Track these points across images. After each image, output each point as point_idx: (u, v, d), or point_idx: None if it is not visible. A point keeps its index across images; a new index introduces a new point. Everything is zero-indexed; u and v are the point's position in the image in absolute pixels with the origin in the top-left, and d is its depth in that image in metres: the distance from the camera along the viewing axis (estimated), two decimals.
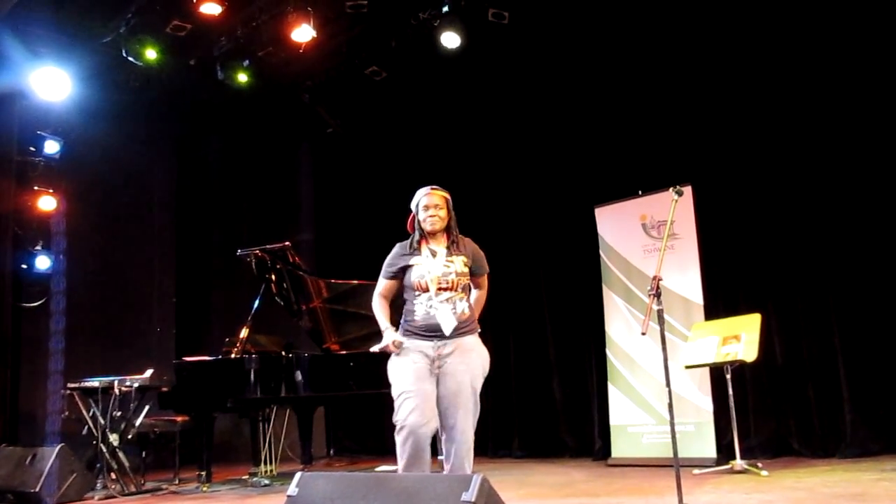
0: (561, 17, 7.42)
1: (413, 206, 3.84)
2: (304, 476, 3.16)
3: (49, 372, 7.54)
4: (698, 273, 6.53)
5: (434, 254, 3.75)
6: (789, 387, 6.30)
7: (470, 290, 3.85)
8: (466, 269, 3.74)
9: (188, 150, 10.32)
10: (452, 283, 3.68)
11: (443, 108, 8.72)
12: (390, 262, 3.85)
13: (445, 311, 3.66)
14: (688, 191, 6.39)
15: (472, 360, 3.69)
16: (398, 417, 3.57)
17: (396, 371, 3.69)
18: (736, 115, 6.71)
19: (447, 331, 3.65)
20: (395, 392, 3.64)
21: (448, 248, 3.78)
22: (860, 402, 5.92)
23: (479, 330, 3.82)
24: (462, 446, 3.64)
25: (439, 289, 3.67)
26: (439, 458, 6.35)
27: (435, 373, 3.65)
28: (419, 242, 3.81)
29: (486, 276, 3.93)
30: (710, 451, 6.17)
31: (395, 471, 3.88)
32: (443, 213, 3.76)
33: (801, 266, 6.33)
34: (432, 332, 3.67)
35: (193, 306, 10.08)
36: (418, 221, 3.79)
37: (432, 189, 3.83)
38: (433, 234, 3.77)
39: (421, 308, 3.70)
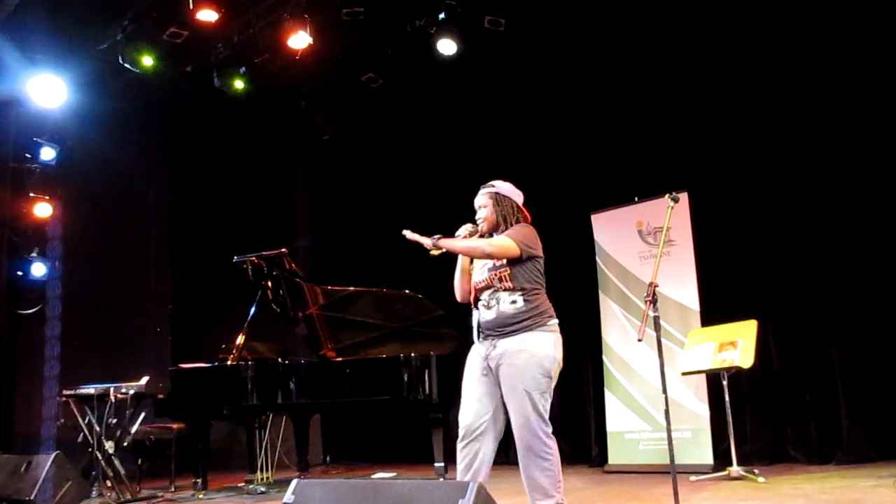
0: (557, 24, 7.44)
1: None
2: (300, 483, 3.15)
3: (45, 379, 7.52)
4: (695, 279, 6.54)
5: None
6: (786, 393, 6.30)
7: (520, 283, 3.59)
8: (504, 261, 3.56)
9: (185, 156, 10.33)
10: (488, 280, 3.61)
11: (439, 115, 8.72)
12: None
13: (487, 311, 3.60)
14: (684, 197, 6.43)
15: (520, 362, 3.49)
16: None
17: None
18: (732, 122, 6.74)
19: (492, 329, 3.56)
20: None
21: None
22: (857, 409, 5.93)
23: (543, 322, 3.59)
24: (520, 451, 3.56)
25: (479, 290, 3.64)
26: (436, 465, 6.37)
27: (491, 374, 3.56)
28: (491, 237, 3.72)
29: (506, 239, 3.58)
30: (707, 457, 6.17)
31: (392, 478, 3.90)
32: (485, 212, 3.73)
33: (797, 272, 6.35)
34: (484, 332, 3.61)
35: (190, 313, 10.06)
36: None
37: (480, 190, 3.82)
38: (488, 233, 3.72)
39: (474, 311, 3.70)
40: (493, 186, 3.79)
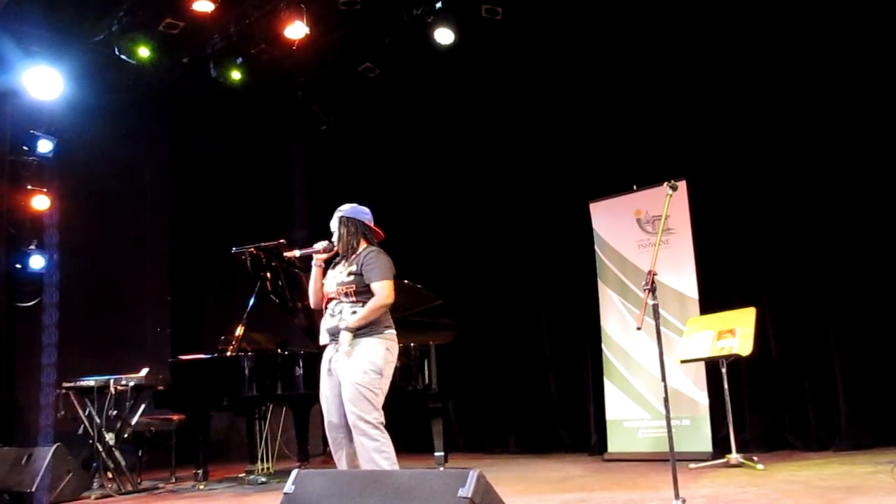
0: (554, 13, 7.41)
1: None
2: (300, 473, 3.16)
3: (44, 371, 7.52)
4: (693, 268, 6.54)
5: (340, 266, 4.15)
6: (784, 381, 6.32)
7: (363, 298, 4.02)
8: (350, 278, 4.02)
9: (181, 147, 10.29)
10: (336, 292, 4.07)
11: (437, 105, 8.70)
12: None
13: (332, 318, 4.05)
14: (682, 185, 6.42)
15: (353, 361, 3.91)
16: None
17: None
18: (730, 110, 6.73)
19: (335, 334, 4.01)
20: None
21: (346, 260, 4.14)
22: (855, 396, 5.95)
23: (379, 331, 4.00)
24: (355, 437, 3.88)
25: (329, 299, 4.12)
26: (436, 454, 6.38)
27: (335, 372, 3.99)
28: (343, 257, 4.18)
29: (380, 284, 4.00)
30: (706, 445, 6.19)
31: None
32: (336, 235, 4.17)
33: (795, 260, 6.35)
34: (329, 336, 4.08)
35: (188, 305, 10.06)
36: None
37: (337, 212, 4.24)
38: (343, 252, 4.16)
39: (326, 315, 4.14)
40: (341, 211, 4.23)
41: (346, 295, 4.03)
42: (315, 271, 4.22)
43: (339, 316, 4.02)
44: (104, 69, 8.03)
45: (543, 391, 7.75)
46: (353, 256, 4.10)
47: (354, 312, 3.98)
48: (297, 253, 4.31)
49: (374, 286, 4.00)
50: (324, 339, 4.12)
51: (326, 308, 4.15)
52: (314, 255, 4.21)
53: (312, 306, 4.30)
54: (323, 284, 4.19)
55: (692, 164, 6.71)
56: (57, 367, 7.48)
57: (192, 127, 10.05)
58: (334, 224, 4.21)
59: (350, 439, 3.93)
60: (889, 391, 5.83)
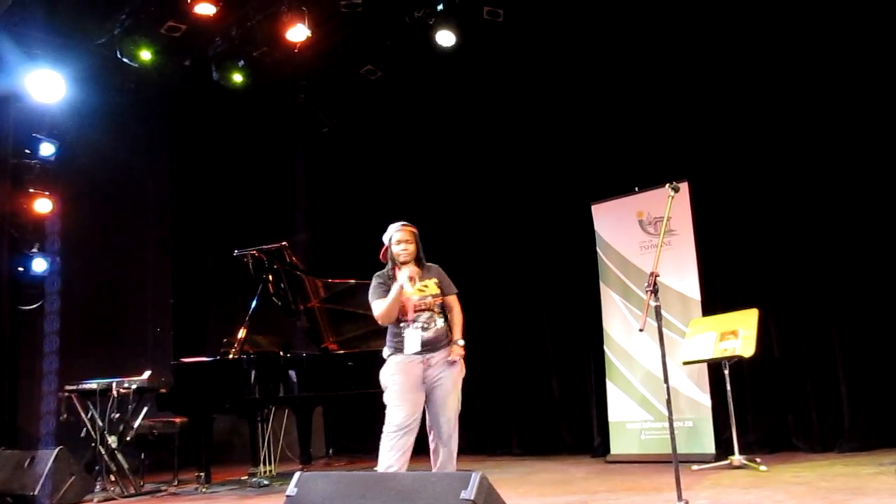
0: (556, 15, 7.42)
1: (386, 239, 4.39)
2: (303, 476, 3.16)
3: (47, 374, 7.52)
4: (695, 269, 6.53)
5: (412, 280, 4.21)
6: (787, 382, 6.31)
7: (441, 307, 4.36)
8: (437, 291, 4.33)
9: (184, 150, 10.31)
10: (428, 303, 4.28)
11: (438, 107, 8.71)
12: (379, 290, 4.32)
13: (426, 331, 4.24)
14: (684, 187, 6.42)
15: (455, 370, 4.28)
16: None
17: (391, 382, 4.26)
18: (732, 111, 6.72)
19: (431, 345, 4.22)
20: (388, 399, 4.25)
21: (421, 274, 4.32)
22: (858, 397, 5.93)
23: (454, 337, 4.34)
24: (446, 436, 4.29)
25: (418, 310, 4.25)
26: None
27: (423, 382, 4.21)
28: (393, 271, 4.32)
29: (455, 295, 4.44)
30: (709, 446, 6.18)
31: (395, 469, 3.94)
32: (412, 247, 4.34)
33: (798, 261, 6.34)
34: (423, 347, 4.21)
35: (190, 307, 10.06)
36: (392, 253, 4.35)
37: (403, 226, 4.39)
38: (405, 263, 4.29)
39: (405, 329, 4.25)
40: (411, 226, 4.42)
41: (436, 305, 4.31)
42: (406, 292, 4.24)
43: (435, 328, 4.26)
44: (106, 72, 8.06)
45: (546, 393, 7.74)
46: (422, 271, 4.36)
47: (444, 323, 4.32)
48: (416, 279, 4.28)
49: (452, 297, 4.41)
50: (412, 348, 4.21)
51: (410, 319, 4.25)
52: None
53: (383, 322, 4.33)
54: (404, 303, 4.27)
55: (694, 166, 6.71)
56: (59, 370, 7.49)
57: (194, 129, 10.06)
58: (409, 237, 4.35)
59: (411, 442, 4.13)
60: (892, 392, 5.82)
